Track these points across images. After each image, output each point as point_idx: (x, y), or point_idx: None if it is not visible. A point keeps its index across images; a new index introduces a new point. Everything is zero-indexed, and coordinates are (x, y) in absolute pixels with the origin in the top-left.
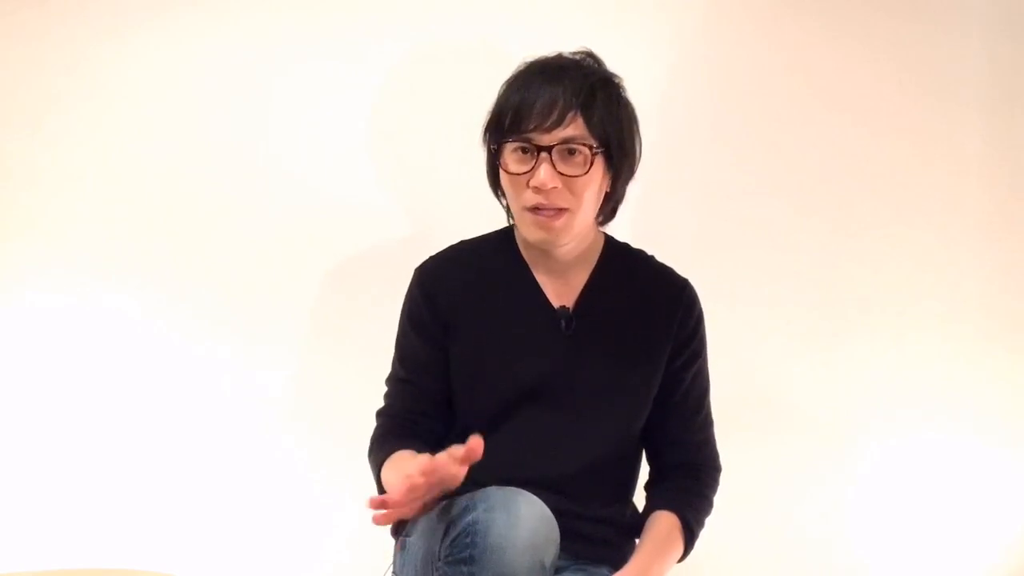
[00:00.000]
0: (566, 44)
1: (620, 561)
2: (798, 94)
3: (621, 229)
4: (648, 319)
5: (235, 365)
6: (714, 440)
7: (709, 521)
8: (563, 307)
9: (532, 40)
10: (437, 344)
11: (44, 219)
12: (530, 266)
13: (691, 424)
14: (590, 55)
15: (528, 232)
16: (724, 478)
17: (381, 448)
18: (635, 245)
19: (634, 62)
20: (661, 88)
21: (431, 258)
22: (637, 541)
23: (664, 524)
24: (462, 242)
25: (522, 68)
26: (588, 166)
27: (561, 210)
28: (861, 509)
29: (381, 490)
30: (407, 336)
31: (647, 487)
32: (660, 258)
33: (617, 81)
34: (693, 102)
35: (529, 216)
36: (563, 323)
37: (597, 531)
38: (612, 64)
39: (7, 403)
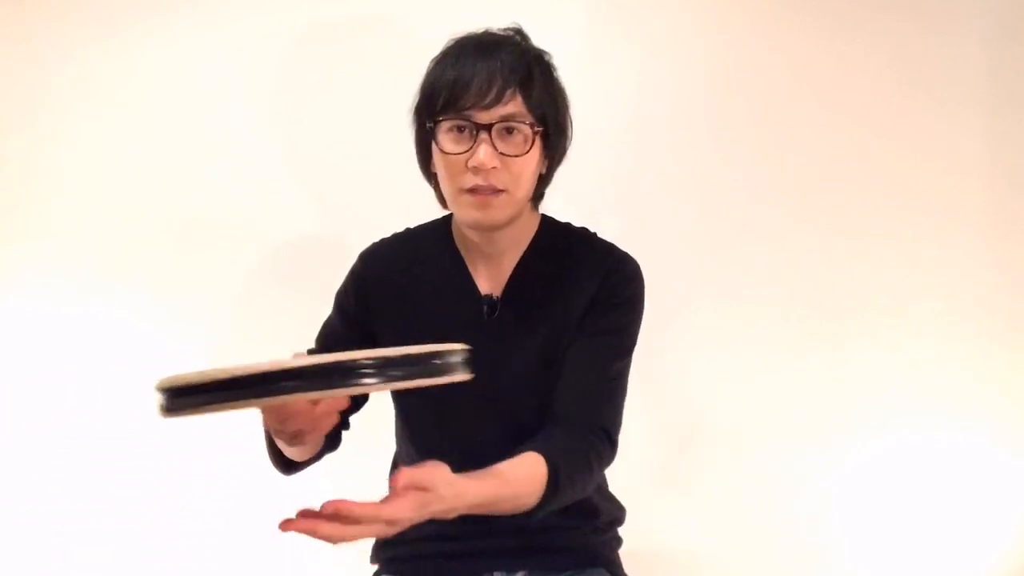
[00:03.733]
0: (565, 43)
1: (594, 558)
2: (797, 94)
3: (620, 229)
4: (575, 295)
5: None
6: (613, 412)
7: (710, 521)
8: (488, 295)
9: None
10: (348, 330)
11: (43, 220)
12: (463, 253)
13: (582, 379)
14: (519, 32)
15: (464, 214)
16: (725, 479)
17: None
18: (632, 245)
19: (633, 62)
20: (660, 88)
21: (374, 243)
22: (619, 533)
23: (524, 462)
24: (407, 229)
25: (451, 44)
26: (529, 145)
27: (499, 191)
28: (861, 509)
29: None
30: (331, 313)
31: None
32: (656, 259)
33: (548, 59)
34: (692, 102)
35: (467, 197)
36: (485, 309)
37: (562, 540)
38: (610, 64)
39: (5, 404)
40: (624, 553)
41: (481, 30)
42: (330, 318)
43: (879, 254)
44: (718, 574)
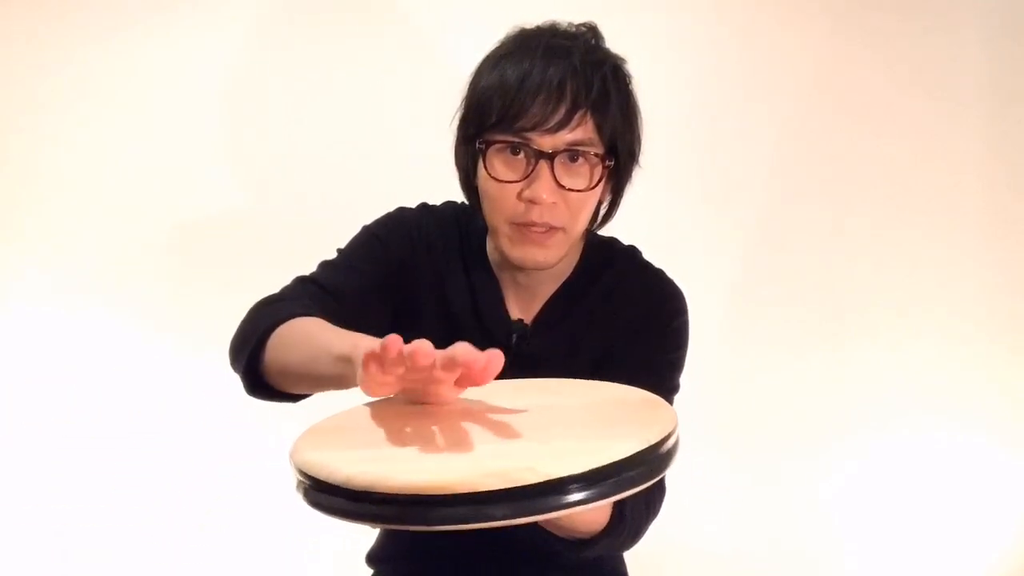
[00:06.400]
0: None
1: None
2: (797, 94)
3: (619, 230)
4: (618, 330)
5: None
6: None
7: (710, 520)
8: (519, 320)
9: None
10: (378, 295)
11: (43, 220)
12: (496, 270)
13: None
14: (593, 30)
15: (508, 249)
16: (725, 478)
17: (294, 303)
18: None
19: (631, 63)
20: (658, 88)
21: (438, 207)
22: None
23: None
24: (456, 207)
25: (510, 40)
26: (596, 179)
27: (554, 229)
28: (861, 509)
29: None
30: (354, 255)
31: None
32: (655, 260)
33: (626, 68)
34: (690, 102)
35: (515, 232)
36: (514, 338)
37: (572, 560)
38: None
39: (5, 405)
40: (625, 553)
41: (547, 23)
42: (354, 262)
43: (879, 254)
44: (718, 573)
